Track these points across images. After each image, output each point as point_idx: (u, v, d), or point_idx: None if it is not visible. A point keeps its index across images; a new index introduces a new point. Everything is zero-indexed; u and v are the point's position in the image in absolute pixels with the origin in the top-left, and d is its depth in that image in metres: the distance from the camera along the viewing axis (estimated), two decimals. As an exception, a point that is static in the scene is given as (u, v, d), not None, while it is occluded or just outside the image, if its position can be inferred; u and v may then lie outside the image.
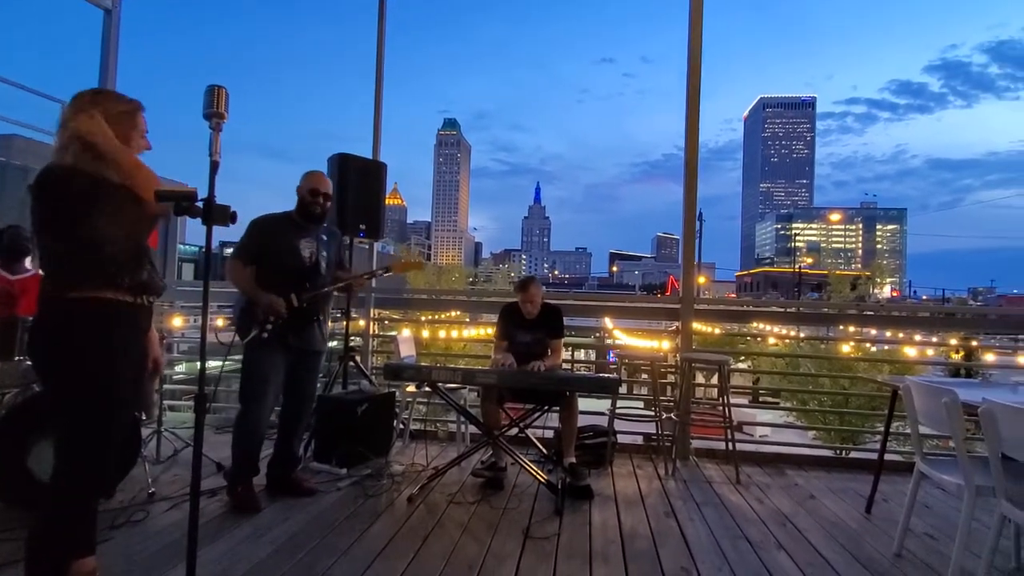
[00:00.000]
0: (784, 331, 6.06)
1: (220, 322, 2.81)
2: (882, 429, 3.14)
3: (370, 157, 4.16)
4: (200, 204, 1.50)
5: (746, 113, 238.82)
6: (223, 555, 2.18)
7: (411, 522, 2.59)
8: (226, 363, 2.81)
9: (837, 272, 16.96)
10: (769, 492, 3.20)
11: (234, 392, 4.85)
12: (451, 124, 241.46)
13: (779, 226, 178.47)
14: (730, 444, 3.54)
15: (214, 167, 1.52)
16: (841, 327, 5.29)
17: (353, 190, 3.74)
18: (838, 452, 5.01)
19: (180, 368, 4.85)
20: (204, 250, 1.61)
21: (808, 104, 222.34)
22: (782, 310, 5.04)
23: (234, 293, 2.85)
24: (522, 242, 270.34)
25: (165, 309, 4.41)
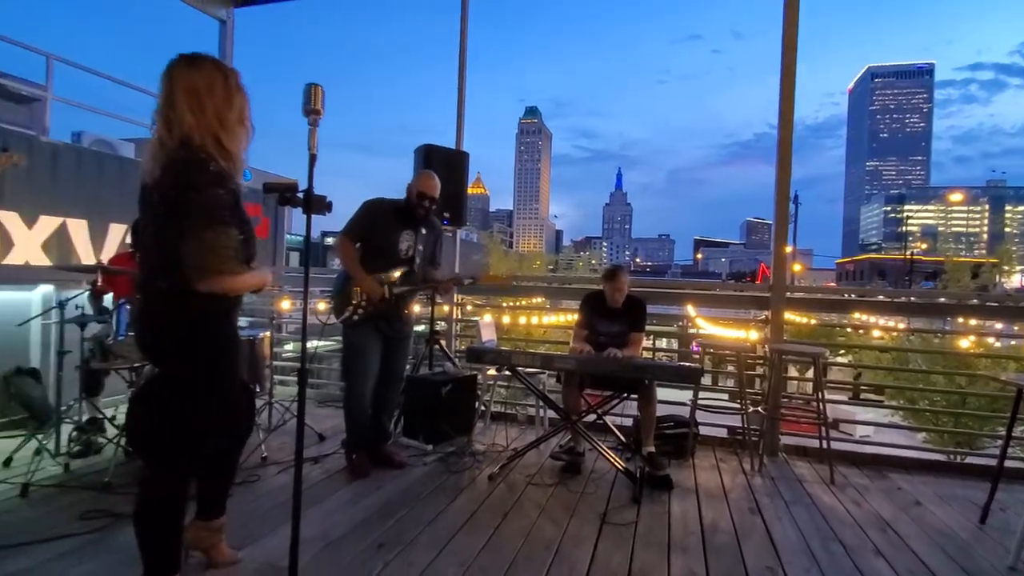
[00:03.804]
0: (892, 323, 5.55)
1: (321, 306, 3.05)
2: (1003, 433, 2.83)
3: (453, 147, 4.29)
4: (301, 195, 1.64)
5: (851, 85, 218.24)
6: (325, 516, 2.41)
7: (491, 499, 2.70)
8: (326, 342, 3.03)
9: (956, 259, 15.20)
10: (868, 495, 2.99)
11: (335, 370, 5.24)
12: (532, 112, 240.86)
13: (888, 208, 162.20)
14: (824, 442, 3.34)
15: (312, 160, 1.62)
16: (960, 320, 4.77)
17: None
18: (951, 456, 4.54)
19: (288, 347, 5.31)
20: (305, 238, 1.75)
21: (925, 72, 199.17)
22: (889, 300, 4.63)
23: (334, 275, 3.07)
24: (603, 229, 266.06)
25: (275, 293, 4.83)
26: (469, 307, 4.77)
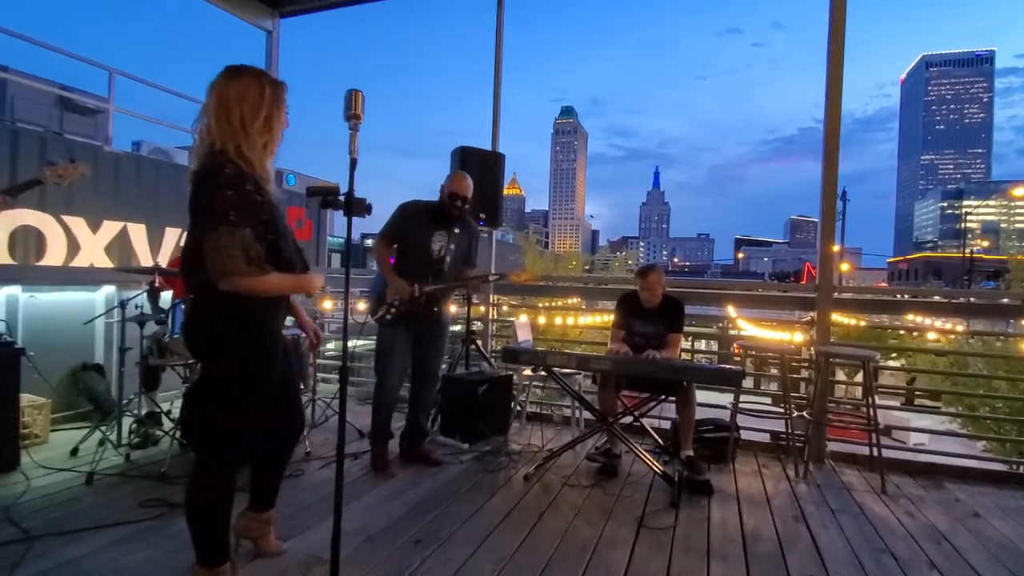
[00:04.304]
0: (949, 325, 5.26)
1: (361, 305, 3.13)
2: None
3: (490, 149, 4.32)
4: (342, 198, 1.68)
5: (904, 75, 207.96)
6: (365, 511, 2.48)
7: (527, 499, 2.71)
8: (366, 341, 3.11)
9: (1021, 257, 14.24)
10: (922, 506, 2.86)
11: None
12: (568, 112, 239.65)
13: (945, 204, 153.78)
14: (875, 449, 3.20)
15: (353, 164, 1.65)
16: (1024, 322, 4.50)
17: (473, 181, 3.92)
18: (1014, 466, 4.28)
19: (330, 346, 5.46)
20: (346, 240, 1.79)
21: (984, 59, 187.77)
22: (946, 300, 4.40)
23: (372, 276, 3.15)
24: (640, 229, 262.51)
25: (317, 294, 4.97)
26: (505, 307, 4.79)
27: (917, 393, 10.50)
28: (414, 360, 3.13)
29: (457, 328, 4.14)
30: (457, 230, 3.08)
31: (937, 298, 4.52)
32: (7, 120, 5.44)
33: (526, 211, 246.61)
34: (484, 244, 4.49)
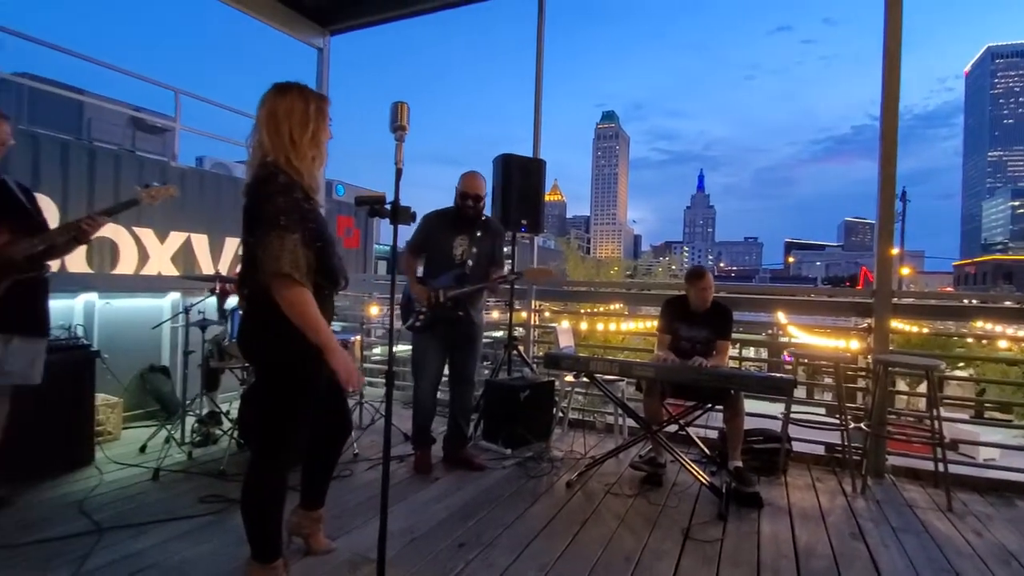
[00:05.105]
0: (1022, 332, 4.93)
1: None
2: None
3: (531, 156, 4.35)
4: (388, 207, 1.74)
5: (968, 68, 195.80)
6: (410, 513, 2.53)
7: (569, 507, 2.70)
8: (410, 346, 3.19)
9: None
10: (991, 524, 2.68)
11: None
12: (609, 117, 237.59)
13: (1017, 203, 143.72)
14: (940, 464, 3.02)
15: (398, 174, 1.72)
16: (1110, 330, 4.15)
17: (515, 187, 3.96)
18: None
19: (376, 350, 5.61)
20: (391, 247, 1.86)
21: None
22: (1018, 306, 4.12)
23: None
24: (684, 233, 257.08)
25: (364, 299, 5.13)
26: (547, 313, 4.80)
27: (987, 405, 9.84)
28: (450, 365, 3.19)
29: (499, 334, 4.18)
30: (479, 233, 3.09)
31: (1008, 303, 4.23)
32: (85, 140, 5.87)
33: (568, 217, 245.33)
34: (525, 250, 4.52)
